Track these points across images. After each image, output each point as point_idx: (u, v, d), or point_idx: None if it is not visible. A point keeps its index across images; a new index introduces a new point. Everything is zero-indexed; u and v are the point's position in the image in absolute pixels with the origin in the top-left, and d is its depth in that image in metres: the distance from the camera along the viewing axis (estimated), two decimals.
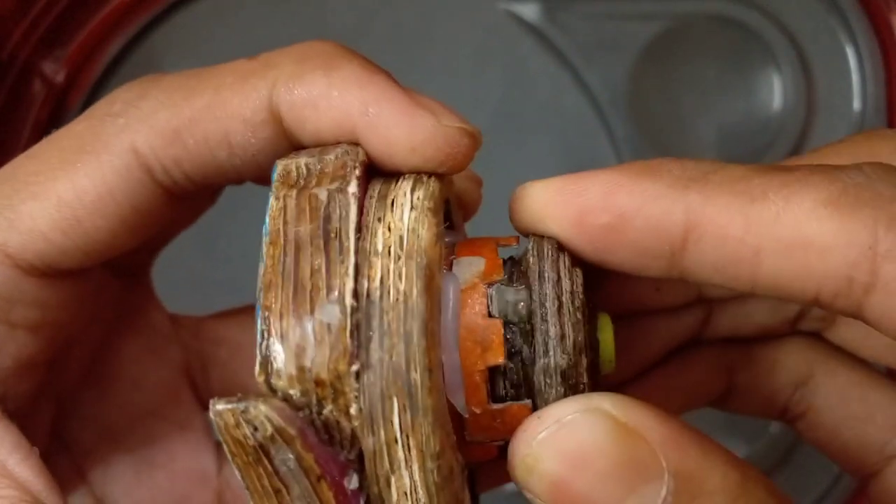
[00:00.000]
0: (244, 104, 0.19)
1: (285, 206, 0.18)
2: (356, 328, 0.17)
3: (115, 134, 0.20)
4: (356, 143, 0.19)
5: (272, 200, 0.18)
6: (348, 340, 0.17)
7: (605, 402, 0.16)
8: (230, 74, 0.19)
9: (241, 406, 0.17)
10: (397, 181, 0.19)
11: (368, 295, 0.17)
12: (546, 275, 0.18)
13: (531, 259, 0.18)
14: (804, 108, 0.42)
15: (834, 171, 0.16)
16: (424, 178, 0.19)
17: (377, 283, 0.17)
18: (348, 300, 0.17)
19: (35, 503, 0.18)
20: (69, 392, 0.23)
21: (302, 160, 0.18)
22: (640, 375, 0.23)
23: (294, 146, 0.19)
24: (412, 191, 0.18)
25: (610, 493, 0.15)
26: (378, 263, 0.17)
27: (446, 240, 0.19)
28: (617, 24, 0.42)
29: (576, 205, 0.18)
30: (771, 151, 0.42)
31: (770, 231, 0.16)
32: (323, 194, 0.18)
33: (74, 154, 0.20)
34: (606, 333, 0.19)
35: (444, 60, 0.42)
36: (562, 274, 0.18)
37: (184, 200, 0.21)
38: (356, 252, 0.17)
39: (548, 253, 0.18)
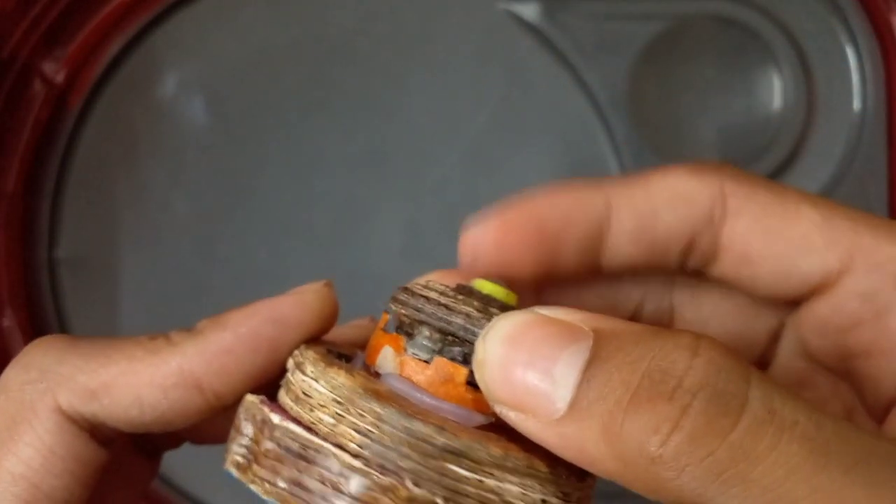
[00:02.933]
0: (156, 373, 0.22)
1: (263, 482, 0.20)
2: (381, 467, 0.19)
3: (39, 398, 0.22)
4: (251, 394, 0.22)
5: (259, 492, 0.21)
6: (386, 482, 0.19)
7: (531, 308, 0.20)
8: (139, 349, 0.23)
9: None
10: (288, 374, 0.22)
11: (362, 445, 0.19)
12: (420, 304, 0.21)
13: (402, 310, 0.22)
14: (804, 108, 0.42)
15: (689, 164, 0.23)
16: (301, 352, 0.22)
17: (356, 433, 0.19)
18: (358, 464, 0.19)
19: None
20: None
21: (233, 447, 0.21)
22: None
23: (206, 400, 0.23)
24: (302, 371, 0.21)
25: (546, 355, 0.18)
26: (340, 423, 0.20)
27: (357, 365, 0.22)
28: (617, 24, 0.42)
29: (533, 218, 0.23)
30: (771, 151, 0.42)
31: (659, 194, 0.23)
32: (270, 444, 0.20)
33: (9, 430, 0.22)
34: (485, 286, 0.22)
35: (444, 60, 0.42)
36: (422, 292, 0.21)
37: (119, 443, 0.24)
38: (325, 439, 0.20)
39: (404, 296, 0.22)
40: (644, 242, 0.23)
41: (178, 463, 0.42)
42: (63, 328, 0.43)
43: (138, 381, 0.22)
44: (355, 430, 0.19)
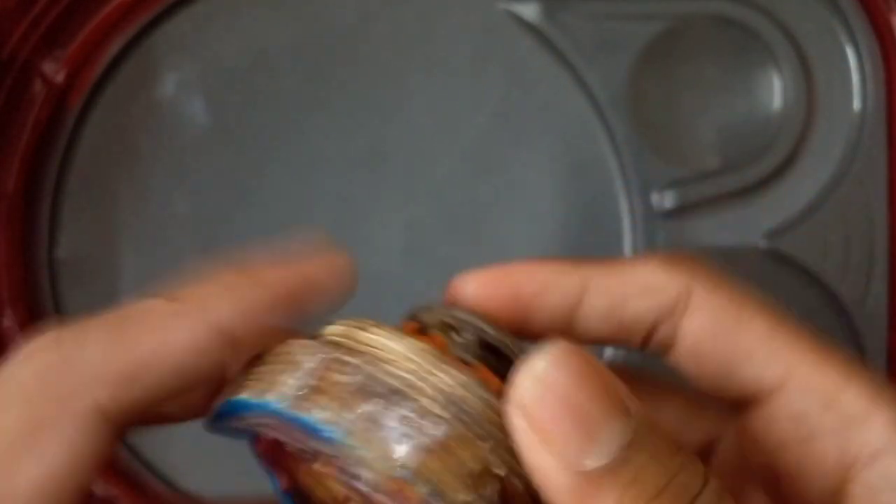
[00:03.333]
0: (192, 337, 0.21)
1: (328, 409, 0.20)
2: (463, 424, 0.20)
3: (70, 392, 0.21)
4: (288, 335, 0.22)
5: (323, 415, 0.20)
6: (467, 436, 0.20)
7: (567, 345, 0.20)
8: (166, 316, 0.22)
9: None
10: (337, 335, 0.22)
11: (445, 400, 0.20)
12: (459, 314, 0.24)
13: (443, 319, 0.23)
14: (804, 108, 0.42)
15: (663, 255, 0.25)
16: (348, 320, 0.22)
17: (438, 388, 0.20)
18: (444, 415, 0.20)
19: None
20: None
21: (286, 382, 0.21)
22: None
23: (233, 354, 0.22)
24: (365, 330, 0.22)
25: (601, 410, 0.19)
26: (422, 378, 0.20)
27: None
28: (617, 24, 0.42)
29: (510, 282, 0.25)
30: (771, 151, 0.42)
31: (632, 283, 0.25)
32: (343, 378, 0.20)
33: (32, 431, 0.20)
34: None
35: (444, 60, 0.42)
36: (451, 311, 0.24)
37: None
38: (409, 385, 0.20)
39: (437, 307, 0.24)
40: (613, 322, 0.25)
41: (178, 462, 0.42)
42: None
43: (174, 349, 0.21)
44: (436, 386, 0.20)
